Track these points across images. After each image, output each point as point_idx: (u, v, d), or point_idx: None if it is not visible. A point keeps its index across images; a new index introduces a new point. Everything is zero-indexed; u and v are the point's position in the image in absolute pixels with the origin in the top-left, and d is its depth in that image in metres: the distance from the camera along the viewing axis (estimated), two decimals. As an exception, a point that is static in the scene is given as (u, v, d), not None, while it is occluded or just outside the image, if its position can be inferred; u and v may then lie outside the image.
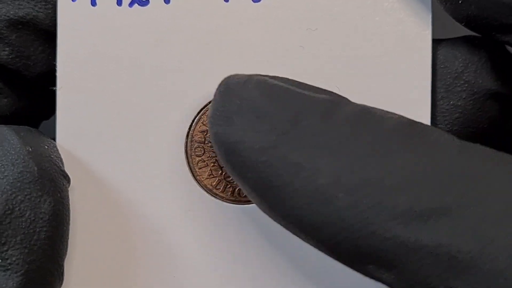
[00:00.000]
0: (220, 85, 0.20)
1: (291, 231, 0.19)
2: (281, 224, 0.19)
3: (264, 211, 0.19)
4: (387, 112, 0.19)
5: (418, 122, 0.19)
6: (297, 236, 0.19)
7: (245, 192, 0.19)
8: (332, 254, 0.18)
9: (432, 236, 0.17)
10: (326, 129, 0.18)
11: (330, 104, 0.19)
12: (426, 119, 0.22)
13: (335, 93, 0.20)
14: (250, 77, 0.20)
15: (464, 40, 0.23)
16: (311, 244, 0.19)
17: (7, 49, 0.22)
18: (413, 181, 0.17)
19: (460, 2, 0.20)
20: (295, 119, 0.18)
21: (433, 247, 0.17)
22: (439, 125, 0.22)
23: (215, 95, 0.20)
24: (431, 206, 0.17)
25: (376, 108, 0.19)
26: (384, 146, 0.18)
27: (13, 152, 0.20)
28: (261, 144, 0.18)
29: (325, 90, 0.20)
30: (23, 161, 0.20)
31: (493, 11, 0.20)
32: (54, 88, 0.22)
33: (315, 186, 0.18)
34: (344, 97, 0.19)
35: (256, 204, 0.19)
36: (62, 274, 0.21)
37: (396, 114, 0.19)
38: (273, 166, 0.18)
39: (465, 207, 0.17)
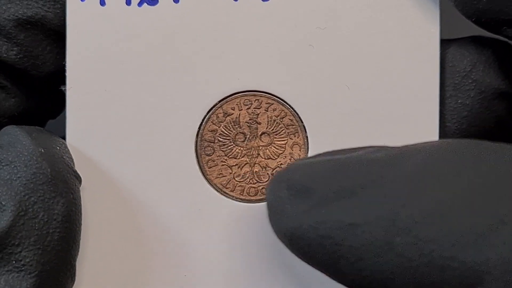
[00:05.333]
0: (268, 185, 0.20)
1: None
2: None
3: (343, 283, 0.19)
4: (427, 142, 0.19)
5: (460, 140, 0.19)
6: None
7: (322, 272, 0.19)
8: None
9: (499, 250, 0.17)
10: (365, 178, 0.18)
11: (365, 155, 0.19)
12: (434, 117, 0.22)
13: (373, 146, 0.20)
14: (290, 165, 0.20)
15: (472, 39, 0.23)
16: None
17: (15, 48, 0.22)
18: (462, 201, 0.17)
19: None
20: (336, 181, 0.18)
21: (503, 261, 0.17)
22: (447, 123, 0.22)
23: (266, 195, 0.20)
24: (487, 222, 0.17)
25: (417, 143, 0.19)
26: (423, 172, 0.18)
27: (26, 154, 0.20)
28: (316, 220, 0.18)
29: (363, 147, 0.20)
30: (36, 162, 0.20)
31: (504, 5, 0.21)
32: (63, 87, 0.22)
33: (372, 239, 0.18)
34: (381, 146, 0.19)
35: (334, 278, 0.19)
36: (74, 274, 0.21)
37: (435, 141, 0.19)
38: (333, 236, 0.18)
39: None
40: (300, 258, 0.19)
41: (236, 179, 0.23)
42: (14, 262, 0.19)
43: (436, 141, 0.19)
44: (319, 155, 0.21)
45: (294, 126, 0.23)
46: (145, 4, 0.22)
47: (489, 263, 0.17)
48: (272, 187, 0.20)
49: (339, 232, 0.18)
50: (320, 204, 0.18)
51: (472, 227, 0.17)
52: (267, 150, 0.23)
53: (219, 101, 0.22)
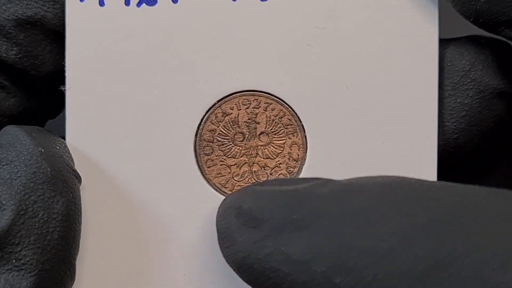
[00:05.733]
0: (218, 209, 0.20)
1: None
2: None
3: None
4: (374, 177, 0.19)
5: (404, 178, 0.19)
6: None
7: None
8: None
9: None
10: (313, 213, 0.18)
11: (313, 188, 0.19)
12: (433, 117, 0.22)
13: (321, 178, 0.20)
14: (239, 192, 0.20)
15: (471, 39, 0.23)
16: None
17: (15, 48, 0.22)
18: (405, 241, 0.17)
19: None
20: (284, 215, 0.19)
21: None
22: (446, 123, 0.23)
23: (216, 221, 0.20)
24: (428, 263, 0.17)
25: (362, 177, 0.19)
26: (368, 212, 0.18)
27: (25, 153, 0.20)
28: (263, 252, 0.19)
29: (312, 178, 0.20)
30: (36, 162, 0.20)
31: (502, 6, 0.21)
32: (62, 87, 0.23)
33: (314, 277, 0.18)
34: (329, 179, 0.20)
35: None
36: (74, 273, 0.21)
37: (382, 177, 0.19)
38: (279, 270, 0.18)
39: (464, 257, 0.17)
40: (249, 285, 0.19)
41: (235, 178, 0.23)
42: (14, 261, 0.19)
43: (379, 177, 0.19)
44: (269, 182, 0.21)
45: (292, 126, 0.23)
46: (144, 4, 0.22)
47: None
48: (222, 213, 0.20)
49: (284, 267, 0.18)
50: (267, 237, 0.19)
51: (411, 269, 0.17)
52: (266, 150, 0.23)
53: (218, 101, 0.23)
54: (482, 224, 0.17)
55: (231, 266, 0.20)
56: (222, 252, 0.20)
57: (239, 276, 0.20)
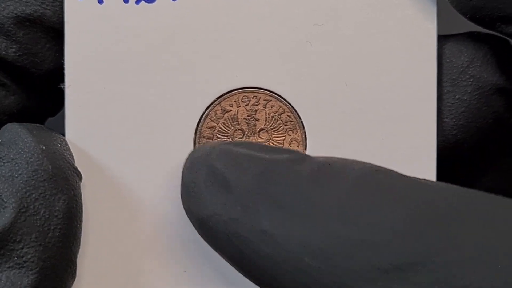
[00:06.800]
0: (185, 161, 0.20)
1: None
2: None
3: (247, 277, 0.19)
4: (350, 162, 0.19)
5: (381, 169, 0.18)
6: None
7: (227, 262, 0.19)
8: None
9: None
10: (290, 191, 0.18)
11: (290, 164, 0.19)
12: (432, 113, 0.22)
13: (296, 151, 0.19)
14: (213, 148, 0.20)
15: (469, 35, 0.23)
16: None
17: (14, 46, 0.22)
18: (380, 234, 0.17)
19: None
20: (259, 185, 0.18)
21: None
22: (445, 119, 0.23)
23: (182, 172, 0.20)
24: (403, 260, 0.16)
25: (337, 159, 0.19)
26: (347, 200, 0.17)
27: (27, 151, 0.20)
28: (230, 216, 0.18)
29: (287, 149, 0.20)
30: (37, 159, 0.20)
31: (498, 2, 0.21)
32: (62, 85, 0.23)
33: (284, 253, 0.17)
34: (304, 154, 0.19)
35: (238, 271, 0.19)
36: (75, 270, 0.21)
37: (359, 163, 0.19)
38: (243, 236, 0.18)
39: (438, 256, 0.16)
40: (206, 242, 0.19)
41: (235, 175, 0.23)
42: (15, 258, 0.19)
43: (355, 163, 0.19)
44: (245, 144, 0.20)
45: (292, 123, 0.23)
46: (142, 1, 0.22)
47: None
48: (191, 166, 0.20)
49: (251, 235, 0.18)
50: (237, 201, 0.18)
51: (381, 263, 0.17)
52: (266, 147, 0.23)
53: (217, 98, 0.23)
54: (457, 225, 0.17)
55: (191, 220, 0.19)
56: (184, 204, 0.20)
57: (198, 232, 0.19)
